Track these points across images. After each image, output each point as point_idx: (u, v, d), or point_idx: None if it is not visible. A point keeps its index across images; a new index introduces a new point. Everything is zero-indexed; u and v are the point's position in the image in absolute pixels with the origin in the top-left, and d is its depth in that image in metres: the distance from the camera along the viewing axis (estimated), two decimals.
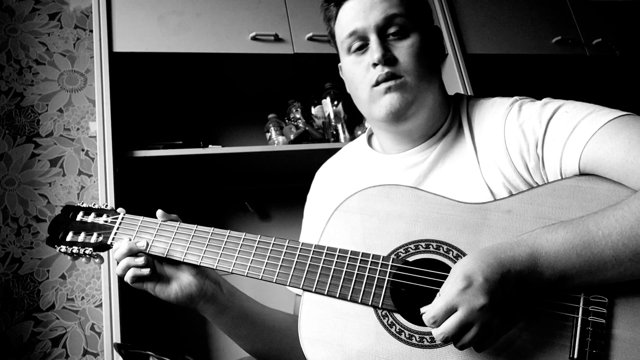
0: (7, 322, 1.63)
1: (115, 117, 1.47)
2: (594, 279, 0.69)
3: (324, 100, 1.91)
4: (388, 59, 0.88)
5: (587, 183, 0.76)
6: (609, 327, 0.69)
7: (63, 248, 0.93)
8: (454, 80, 1.80)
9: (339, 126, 1.85)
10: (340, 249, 0.82)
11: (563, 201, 0.76)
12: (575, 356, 0.68)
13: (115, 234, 0.92)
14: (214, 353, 1.71)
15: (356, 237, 0.83)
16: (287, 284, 0.82)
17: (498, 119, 0.89)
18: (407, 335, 0.75)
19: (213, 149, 1.61)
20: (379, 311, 0.77)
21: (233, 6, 1.70)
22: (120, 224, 0.93)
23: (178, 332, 1.70)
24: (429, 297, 0.73)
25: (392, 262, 0.79)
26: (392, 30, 0.90)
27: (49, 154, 1.84)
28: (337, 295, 0.79)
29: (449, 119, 0.96)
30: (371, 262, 0.80)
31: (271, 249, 0.85)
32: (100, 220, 0.95)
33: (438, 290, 0.70)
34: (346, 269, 0.80)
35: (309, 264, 0.82)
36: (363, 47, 0.91)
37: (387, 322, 0.76)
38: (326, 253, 0.82)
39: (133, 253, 0.87)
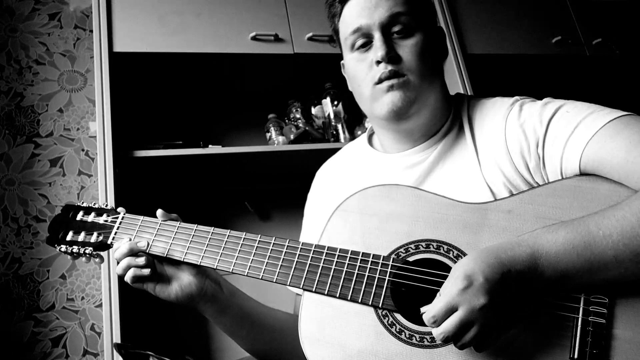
0: (7, 322, 1.63)
1: (115, 117, 1.47)
2: (595, 279, 0.69)
3: (324, 100, 1.91)
4: (392, 56, 0.88)
5: (588, 183, 0.76)
6: (610, 327, 0.69)
7: (63, 247, 0.93)
8: (454, 80, 1.80)
9: (339, 126, 1.85)
10: (340, 249, 0.82)
11: (563, 201, 0.76)
12: (576, 356, 0.68)
13: (116, 233, 0.92)
14: (214, 353, 1.71)
15: (356, 236, 0.83)
16: (288, 283, 0.82)
17: (499, 118, 0.89)
18: (407, 335, 0.75)
19: (213, 149, 1.61)
20: (379, 311, 0.77)
21: (233, 6, 1.70)
22: (120, 223, 0.93)
23: (178, 332, 1.70)
24: (429, 297, 0.73)
25: (392, 262, 0.79)
26: (396, 28, 0.90)
27: (49, 154, 1.84)
28: (338, 295, 0.79)
29: (450, 119, 0.96)
30: (371, 261, 0.80)
31: (271, 249, 0.85)
32: (101, 220, 0.95)
33: (438, 290, 0.70)
34: (346, 268, 0.80)
35: (309, 264, 0.82)
36: (367, 44, 0.91)
37: (388, 321, 0.76)
38: (326, 253, 0.82)
39: (134, 253, 0.87)
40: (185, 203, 1.82)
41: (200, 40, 1.62)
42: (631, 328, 0.68)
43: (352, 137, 1.81)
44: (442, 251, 0.78)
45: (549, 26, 2.02)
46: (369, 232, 0.83)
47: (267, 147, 1.66)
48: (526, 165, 0.83)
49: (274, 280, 0.83)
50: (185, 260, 0.88)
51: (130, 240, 0.89)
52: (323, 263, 0.82)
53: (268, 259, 0.85)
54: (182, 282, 0.88)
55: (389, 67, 0.88)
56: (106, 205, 0.98)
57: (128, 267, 0.86)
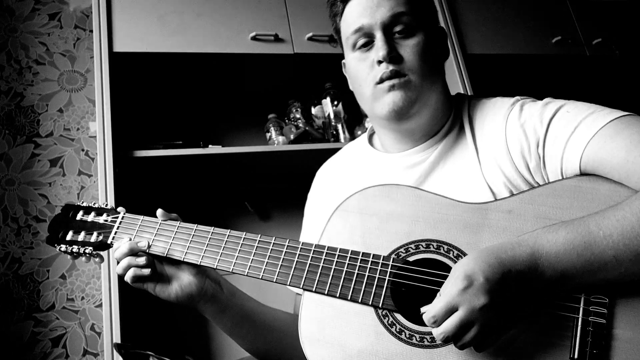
0: (7, 322, 1.63)
1: (115, 117, 1.47)
2: (595, 279, 0.69)
3: (324, 100, 1.91)
4: (393, 56, 0.88)
5: (588, 183, 0.76)
6: (610, 328, 0.69)
7: (63, 247, 0.93)
8: (454, 80, 1.80)
9: (339, 126, 1.85)
10: (340, 249, 0.82)
11: (564, 201, 0.76)
12: (576, 356, 0.68)
13: (116, 233, 0.92)
14: (214, 353, 1.71)
15: (356, 236, 0.83)
16: (288, 283, 0.82)
17: (499, 118, 0.89)
18: (407, 335, 0.75)
19: (213, 149, 1.61)
20: (380, 311, 0.77)
21: (233, 6, 1.70)
22: (120, 223, 0.93)
23: (178, 332, 1.70)
24: (430, 297, 0.73)
25: (392, 262, 0.79)
26: (398, 28, 0.90)
27: (49, 154, 1.84)
28: (338, 295, 0.79)
29: (450, 119, 0.96)
30: (371, 261, 0.80)
31: (271, 249, 0.85)
32: (100, 220, 0.95)
33: (438, 290, 0.70)
34: (346, 268, 0.80)
35: (309, 264, 0.82)
36: (368, 44, 0.91)
37: (388, 321, 0.76)
38: (326, 253, 0.82)
39: (134, 253, 0.87)
40: (185, 203, 1.82)
41: (200, 40, 1.62)
42: (631, 328, 0.68)
43: (352, 137, 1.81)
44: (442, 251, 0.78)
45: (549, 26, 2.02)
46: (369, 232, 0.83)
47: (267, 147, 1.66)
48: (526, 165, 0.83)
49: (274, 280, 0.83)
50: (185, 260, 0.88)
51: (130, 240, 0.89)
52: (323, 263, 0.82)
53: (268, 259, 0.85)
54: (182, 282, 0.88)
55: (390, 67, 0.88)
56: (106, 205, 0.98)
57: (128, 267, 0.86)
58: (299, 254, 0.83)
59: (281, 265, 0.84)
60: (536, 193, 0.78)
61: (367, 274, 0.79)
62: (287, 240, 0.85)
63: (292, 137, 1.82)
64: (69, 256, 0.94)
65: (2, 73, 1.87)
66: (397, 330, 0.75)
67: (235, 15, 1.68)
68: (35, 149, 1.83)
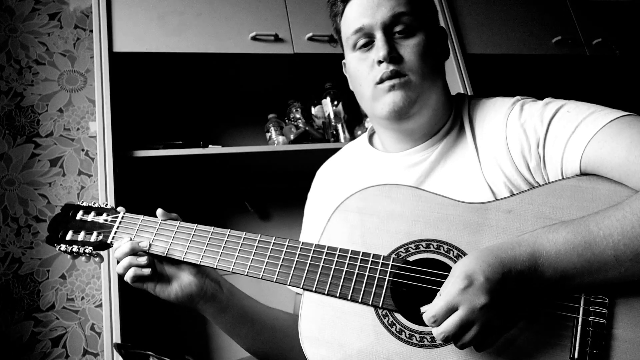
0: (7, 322, 1.63)
1: (115, 117, 1.47)
2: (595, 279, 0.69)
3: (324, 100, 1.91)
4: (393, 56, 0.88)
5: (588, 183, 0.76)
6: (610, 327, 0.69)
7: (63, 247, 0.93)
8: (454, 80, 1.80)
9: (339, 126, 1.85)
10: (340, 249, 0.82)
11: (564, 201, 0.76)
12: (576, 356, 0.68)
13: (115, 232, 0.92)
14: (214, 353, 1.71)
15: (356, 236, 0.83)
16: (288, 283, 0.82)
17: (500, 118, 0.89)
18: (407, 335, 0.75)
19: (213, 149, 1.61)
20: (380, 311, 0.77)
21: (233, 6, 1.70)
22: (120, 223, 0.93)
23: (178, 332, 1.70)
24: (430, 296, 0.72)
25: (392, 262, 0.79)
26: (398, 28, 0.90)
27: (49, 154, 1.84)
28: (338, 295, 0.79)
29: (451, 119, 0.96)
30: (371, 261, 0.80)
31: (271, 249, 0.85)
32: (100, 219, 0.95)
33: (438, 290, 0.70)
34: (346, 268, 0.80)
35: (309, 264, 0.82)
36: (369, 44, 0.91)
37: (388, 321, 0.76)
38: (326, 253, 0.82)
39: (135, 252, 0.87)
40: (185, 203, 1.82)
41: (200, 40, 1.62)
42: (631, 328, 0.68)
43: (352, 137, 1.81)
44: (442, 251, 0.78)
45: (549, 26, 2.02)
46: (369, 232, 0.83)
47: (267, 147, 1.66)
48: (527, 165, 0.83)
49: (274, 280, 0.83)
50: (185, 260, 0.88)
51: (131, 239, 0.89)
52: (323, 263, 0.82)
53: (268, 259, 0.85)
54: (182, 281, 0.88)
55: (391, 67, 0.88)
56: (106, 205, 0.98)
57: (129, 266, 0.86)
58: (299, 254, 0.83)
59: (281, 265, 0.84)
60: (536, 193, 0.78)
61: (367, 273, 0.79)
62: (287, 240, 0.85)
63: (292, 137, 1.82)
64: (68, 256, 0.94)
65: (2, 73, 1.87)
66: (397, 330, 0.75)
67: (235, 15, 1.68)
68: (35, 149, 1.83)
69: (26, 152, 1.82)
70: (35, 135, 1.84)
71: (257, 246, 0.86)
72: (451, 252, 0.77)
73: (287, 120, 1.92)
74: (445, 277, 0.72)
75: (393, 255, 0.80)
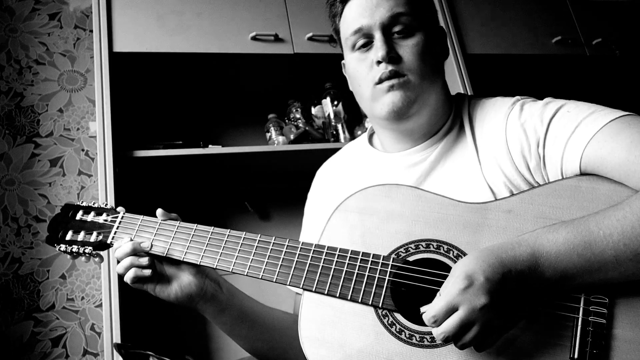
0: (7, 322, 1.63)
1: (115, 117, 1.47)
2: (595, 279, 0.69)
3: (324, 100, 1.91)
4: (392, 57, 0.88)
5: (588, 183, 0.76)
6: (610, 328, 0.69)
7: (63, 247, 0.93)
8: (454, 80, 1.80)
9: (339, 126, 1.85)
10: (340, 249, 0.82)
11: (564, 201, 0.76)
12: (576, 356, 0.68)
13: (115, 232, 0.92)
14: (214, 353, 1.71)
15: (356, 236, 0.83)
16: (287, 283, 0.82)
17: (500, 118, 0.89)
18: (407, 335, 0.75)
19: (213, 149, 1.61)
20: (379, 311, 0.77)
21: (233, 6, 1.70)
22: (120, 223, 0.93)
23: (178, 332, 1.70)
24: (429, 297, 0.72)
25: (392, 262, 0.79)
26: (397, 28, 0.90)
27: (49, 154, 1.84)
28: (337, 295, 0.79)
29: (450, 119, 0.96)
30: (371, 261, 0.80)
31: (271, 249, 0.85)
32: (100, 219, 0.95)
33: (438, 290, 0.70)
34: (346, 268, 0.80)
35: (309, 264, 0.82)
36: (368, 44, 0.91)
37: (387, 321, 0.76)
38: (326, 253, 0.82)
39: (136, 253, 0.87)
40: (185, 203, 1.82)
41: (200, 40, 1.62)
42: (631, 328, 0.68)
43: (352, 137, 1.81)
44: (442, 251, 0.78)
45: (549, 26, 2.02)
46: (368, 232, 0.83)
47: (267, 147, 1.66)
48: (527, 165, 0.83)
49: (274, 280, 0.83)
50: (185, 260, 0.88)
51: (131, 240, 0.89)
52: (323, 263, 0.82)
53: (268, 259, 0.84)
54: (182, 282, 0.88)
55: (390, 67, 0.88)
56: (106, 205, 0.98)
57: (130, 267, 0.86)
58: (298, 254, 0.83)
59: (281, 265, 0.83)
60: (536, 193, 0.78)
61: (367, 273, 0.79)
62: (287, 240, 0.85)
63: (292, 137, 1.82)
64: (68, 256, 0.94)
65: (2, 73, 1.87)
66: (397, 330, 0.75)
67: (235, 15, 1.68)
68: (35, 149, 1.83)
69: (26, 152, 1.82)
70: (35, 135, 1.84)
71: (257, 246, 0.86)
72: (451, 252, 0.77)
73: (287, 120, 1.92)
74: (445, 277, 0.72)
75: (393, 255, 0.80)
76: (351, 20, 0.92)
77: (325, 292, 0.80)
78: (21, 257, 1.70)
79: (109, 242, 0.92)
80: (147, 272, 0.86)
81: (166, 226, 0.91)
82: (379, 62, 0.88)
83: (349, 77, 0.99)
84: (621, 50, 2.06)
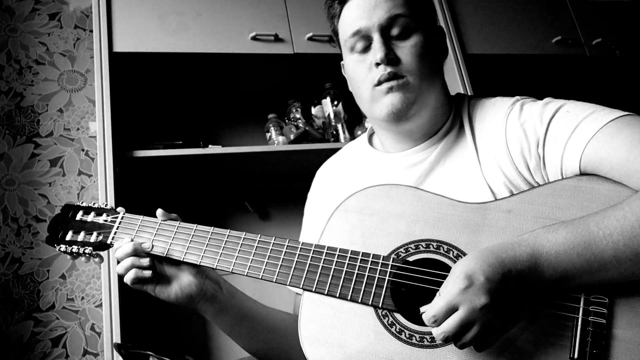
0: (7, 322, 1.63)
1: (115, 117, 1.47)
2: (595, 279, 0.69)
3: (324, 100, 1.91)
4: (391, 58, 0.88)
5: (588, 183, 0.76)
6: (610, 327, 0.69)
7: (63, 247, 0.93)
8: (454, 80, 1.80)
9: (339, 126, 1.85)
10: (340, 249, 0.82)
11: (563, 201, 0.76)
12: (576, 356, 0.68)
13: (115, 233, 0.92)
14: (214, 353, 1.71)
15: (356, 236, 0.83)
16: (287, 283, 0.82)
17: (499, 118, 0.89)
18: (407, 335, 0.75)
19: (213, 149, 1.61)
20: (379, 311, 0.77)
21: (233, 6, 1.70)
22: (120, 223, 0.93)
23: (178, 332, 1.70)
24: (429, 297, 0.72)
25: (392, 262, 0.79)
26: (395, 30, 0.90)
27: (49, 154, 1.84)
28: (337, 295, 0.79)
29: (450, 119, 0.96)
30: (371, 261, 0.80)
31: (271, 249, 0.85)
32: (100, 220, 0.95)
33: (438, 290, 0.70)
34: (346, 268, 0.80)
35: (309, 264, 0.82)
36: (366, 46, 0.91)
37: (387, 321, 0.76)
38: (326, 253, 0.82)
39: (137, 253, 0.87)
40: (185, 203, 1.82)
41: (200, 40, 1.62)
42: (631, 328, 0.68)
43: (352, 137, 1.81)
44: (442, 251, 0.78)
45: (549, 26, 2.02)
46: (368, 232, 0.83)
47: (267, 147, 1.66)
48: (526, 165, 0.83)
49: (274, 280, 0.83)
50: (184, 260, 0.88)
51: (131, 240, 0.89)
52: (323, 263, 0.82)
53: (268, 259, 0.85)
54: (182, 282, 0.88)
55: (388, 69, 0.88)
56: (106, 205, 0.98)
57: (130, 267, 0.86)
58: (298, 254, 0.83)
59: (281, 265, 0.83)
60: (536, 193, 0.78)
61: (366, 273, 0.79)
62: (287, 240, 0.85)
63: (292, 137, 1.82)
64: (68, 256, 0.94)
65: (2, 73, 1.87)
66: (397, 330, 0.75)
67: (235, 15, 1.68)
68: (35, 149, 1.83)
69: (26, 152, 1.82)
70: (35, 135, 1.84)
71: (256, 246, 0.86)
72: (451, 252, 0.77)
73: (287, 120, 1.92)
74: (444, 277, 0.72)
75: (393, 256, 0.80)
76: (349, 22, 0.92)
77: (325, 292, 0.80)
78: (21, 257, 1.70)
79: (109, 242, 0.92)
80: (148, 273, 0.86)
81: (166, 226, 0.91)
82: (377, 64, 0.88)
83: (348, 79, 0.99)
84: (621, 50, 2.06)
